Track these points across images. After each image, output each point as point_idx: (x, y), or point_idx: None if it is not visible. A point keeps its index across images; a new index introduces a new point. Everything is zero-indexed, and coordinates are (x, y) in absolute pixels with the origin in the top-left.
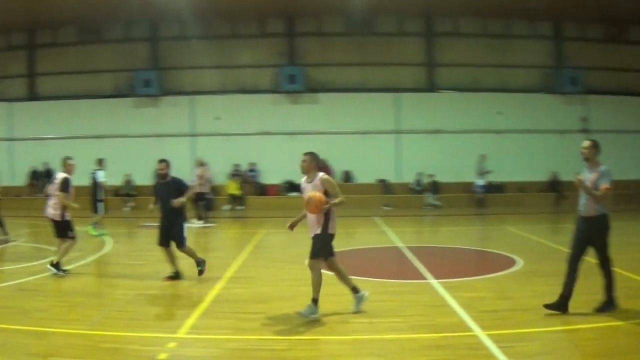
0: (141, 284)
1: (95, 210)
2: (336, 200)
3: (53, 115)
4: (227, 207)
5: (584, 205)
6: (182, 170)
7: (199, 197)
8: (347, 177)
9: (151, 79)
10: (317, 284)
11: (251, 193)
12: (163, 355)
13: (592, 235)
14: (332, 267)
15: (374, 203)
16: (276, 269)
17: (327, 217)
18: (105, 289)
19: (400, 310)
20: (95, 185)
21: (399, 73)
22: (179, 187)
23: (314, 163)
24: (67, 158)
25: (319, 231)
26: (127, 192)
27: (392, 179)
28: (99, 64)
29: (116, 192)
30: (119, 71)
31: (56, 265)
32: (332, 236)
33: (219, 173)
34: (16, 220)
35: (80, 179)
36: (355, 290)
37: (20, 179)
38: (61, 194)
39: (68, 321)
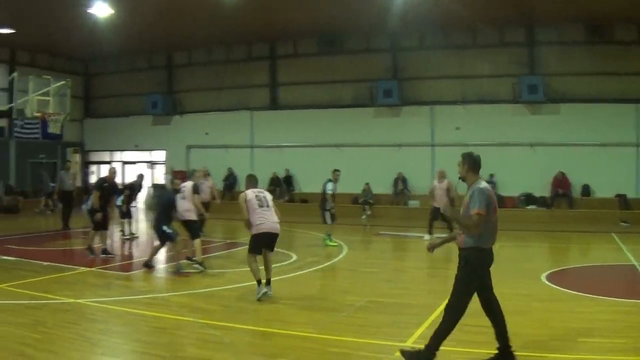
0: (373, 291)
1: (323, 220)
2: None
3: (293, 124)
4: None
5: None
6: (421, 180)
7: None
8: (585, 190)
9: (391, 89)
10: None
11: None
12: None
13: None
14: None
15: (611, 218)
16: (509, 283)
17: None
18: (336, 295)
19: (627, 331)
20: (324, 195)
21: (637, 83)
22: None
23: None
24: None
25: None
26: (365, 200)
27: (631, 194)
28: (339, 74)
29: (355, 200)
30: (359, 81)
31: None
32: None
33: (458, 184)
34: None
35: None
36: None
37: (260, 185)
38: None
39: (296, 324)
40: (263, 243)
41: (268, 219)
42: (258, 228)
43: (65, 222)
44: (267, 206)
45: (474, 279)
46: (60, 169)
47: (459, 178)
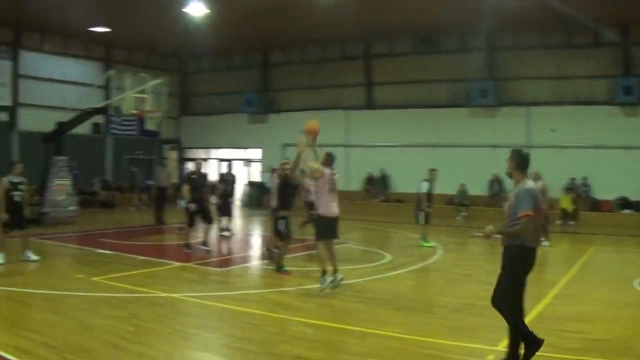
0: (467, 294)
1: (416, 220)
2: None
3: (388, 123)
4: (559, 221)
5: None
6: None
7: None
8: None
9: (487, 89)
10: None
11: (584, 208)
12: None
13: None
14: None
15: None
16: (603, 288)
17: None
18: (430, 296)
19: None
20: (418, 195)
21: None
22: None
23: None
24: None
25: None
26: (461, 201)
27: None
28: (434, 74)
29: (449, 201)
30: (455, 81)
31: None
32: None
33: (553, 187)
34: (349, 224)
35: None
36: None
37: (355, 184)
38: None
39: (388, 324)
40: (332, 227)
41: (335, 205)
42: (326, 212)
43: (158, 217)
44: (335, 192)
45: (518, 276)
46: (156, 166)
47: (506, 174)
